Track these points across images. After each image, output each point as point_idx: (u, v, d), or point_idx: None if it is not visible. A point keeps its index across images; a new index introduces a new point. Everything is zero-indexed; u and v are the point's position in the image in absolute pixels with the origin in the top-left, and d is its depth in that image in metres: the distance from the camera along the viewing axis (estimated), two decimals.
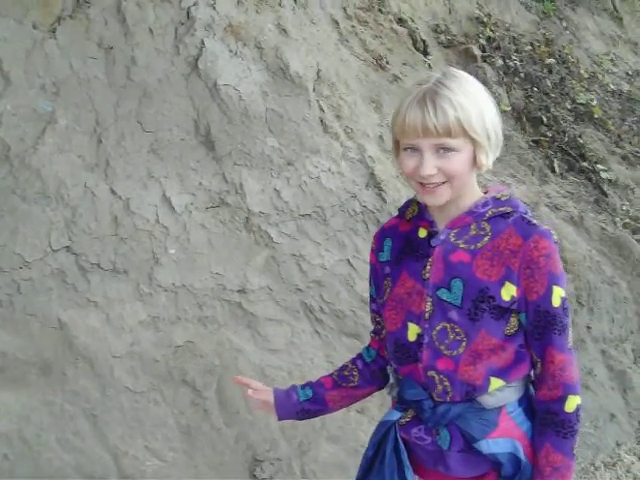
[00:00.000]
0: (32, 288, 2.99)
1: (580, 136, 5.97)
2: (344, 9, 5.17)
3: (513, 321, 1.69)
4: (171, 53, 3.71)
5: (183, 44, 3.75)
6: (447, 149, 1.63)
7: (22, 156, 3.15)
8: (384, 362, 1.96)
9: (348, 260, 3.84)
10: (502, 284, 1.65)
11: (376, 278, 1.89)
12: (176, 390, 3.12)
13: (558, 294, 1.65)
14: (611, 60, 8.13)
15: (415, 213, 1.80)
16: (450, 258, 1.70)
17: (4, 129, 3.15)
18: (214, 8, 3.90)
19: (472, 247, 1.69)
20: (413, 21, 5.77)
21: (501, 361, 1.69)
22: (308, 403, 2.00)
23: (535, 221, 1.68)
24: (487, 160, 1.67)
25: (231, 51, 3.93)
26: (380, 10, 5.53)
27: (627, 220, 5.32)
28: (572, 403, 1.66)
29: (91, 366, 2.99)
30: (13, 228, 3.03)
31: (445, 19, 6.34)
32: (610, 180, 5.73)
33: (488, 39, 6.47)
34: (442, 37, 6.06)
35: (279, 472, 3.08)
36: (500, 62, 6.16)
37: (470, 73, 5.12)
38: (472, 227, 1.71)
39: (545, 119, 5.85)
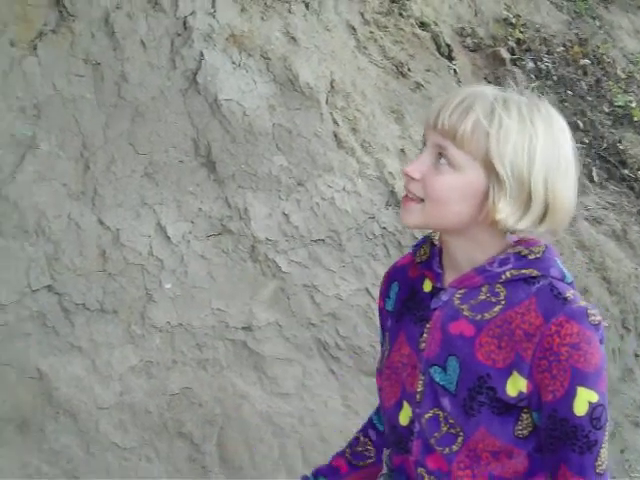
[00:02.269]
0: (8, 333, 2.72)
1: (620, 141, 5.58)
2: (361, 14, 4.84)
3: (526, 419, 1.27)
4: (166, 67, 3.42)
5: (180, 57, 3.46)
6: (445, 158, 1.24)
7: None
8: None
9: (367, 289, 3.50)
10: (509, 374, 1.24)
11: (383, 326, 1.51)
12: (171, 444, 2.80)
13: (585, 399, 1.21)
14: None
15: (425, 257, 1.41)
16: (449, 328, 1.30)
17: None
18: (214, 17, 3.59)
19: (478, 317, 1.28)
20: (436, 25, 5.42)
21: (507, 470, 1.28)
22: None
23: (569, 294, 1.24)
24: (505, 212, 1.23)
25: (234, 63, 3.62)
26: (401, 14, 5.19)
27: None
28: None
29: (74, 421, 2.70)
30: None
31: (471, 22, 5.99)
32: None
33: (517, 41, 6.11)
34: (468, 40, 5.72)
35: None
36: (531, 65, 5.80)
37: (499, 77, 4.70)
38: (483, 290, 1.29)
39: (581, 124, 5.47)
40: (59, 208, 2.97)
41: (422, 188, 1.26)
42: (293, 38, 3.95)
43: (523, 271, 1.27)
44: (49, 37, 3.16)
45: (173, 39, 3.46)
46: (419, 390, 1.33)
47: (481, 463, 1.28)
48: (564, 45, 6.44)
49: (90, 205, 3.05)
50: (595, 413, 1.22)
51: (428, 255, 1.40)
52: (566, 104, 5.57)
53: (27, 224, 2.88)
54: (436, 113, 1.25)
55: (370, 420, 1.66)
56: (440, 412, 1.30)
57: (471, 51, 5.66)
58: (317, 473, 1.67)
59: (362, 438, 1.64)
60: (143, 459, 2.73)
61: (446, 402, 1.29)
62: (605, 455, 1.24)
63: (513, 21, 6.31)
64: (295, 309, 3.32)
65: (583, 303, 1.23)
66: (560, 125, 1.27)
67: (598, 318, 1.23)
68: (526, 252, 1.29)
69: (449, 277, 1.35)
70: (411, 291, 1.41)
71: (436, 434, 1.31)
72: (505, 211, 1.22)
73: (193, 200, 3.31)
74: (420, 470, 1.34)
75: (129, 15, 3.34)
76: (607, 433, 1.24)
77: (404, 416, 1.37)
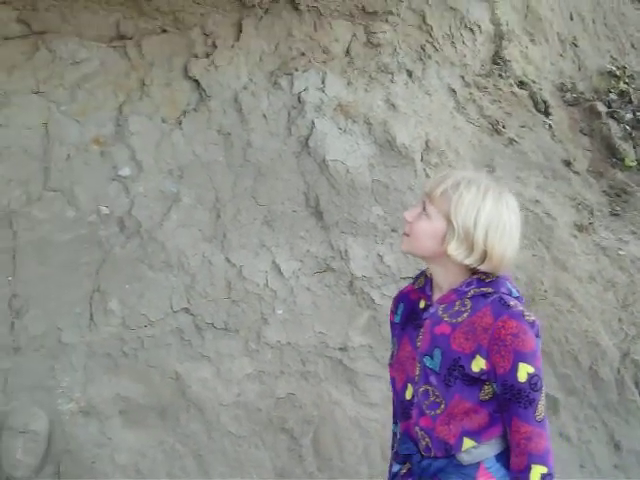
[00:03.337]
0: (154, 343, 3.50)
1: None
2: (462, 77, 5.40)
3: (487, 388, 1.88)
4: (283, 134, 4.18)
5: (295, 126, 4.21)
6: (425, 210, 1.91)
7: (150, 231, 3.71)
8: None
9: None
10: (473, 357, 1.85)
11: (393, 334, 2.14)
12: (275, 437, 3.50)
13: (525, 370, 1.80)
14: None
15: (421, 284, 2.06)
16: (435, 330, 1.93)
17: (136, 208, 3.73)
18: (323, 91, 4.34)
19: (453, 321, 1.90)
20: (535, 82, 5.92)
21: (474, 423, 1.88)
22: None
23: (512, 302, 1.85)
24: (457, 252, 1.86)
25: (340, 128, 4.34)
26: (500, 75, 5.74)
27: None
28: (536, 473, 1.80)
29: (201, 412, 3.44)
30: (140, 292, 3.58)
31: (572, 76, 6.41)
32: None
33: (621, 93, 6.46)
34: (567, 95, 6.14)
35: None
36: (629, 116, 6.14)
37: (594, 130, 5.17)
38: (457, 303, 1.91)
39: None
40: (196, 248, 3.77)
41: (410, 228, 1.94)
42: (393, 105, 4.63)
43: (482, 289, 1.91)
44: (191, 114, 4.01)
45: (289, 111, 4.23)
46: (417, 373, 1.97)
47: (456, 419, 1.89)
48: None
49: (220, 246, 3.83)
50: (532, 380, 1.82)
51: (423, 283, 2.06)
52: None
53: (171, 260, 3.69)
54: (429, 181, 1.94)
55: (395, 435, 2.21)
56: (429, 387, 1.93)
57: (570, 105, 6.09)
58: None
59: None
60: (252, 446, 3.44)
61: (433, 379, 1.92)
62: (541, 409, 1.84)
63: (618, 73, 6.66)
64: (384, 335, 3.92)
65: (521, 308, 1.86)
66: (506, 203, 1.91)
67: (532, 318, 1.86)
68: (484, 277, 1.92)
69: (436, 296, 2.00)
70: (412, 309, 2.06)
71: (426, 402, 1.94)
72: (454, 250, 1.87)
73: (303, 243, 4.02)
74: (416, 429, 1.98)
75: (253, 94, 4.15)
76: (543, 394, 1.85)
77: (409, 393, 2.00)
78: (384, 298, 4.00)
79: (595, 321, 4.23)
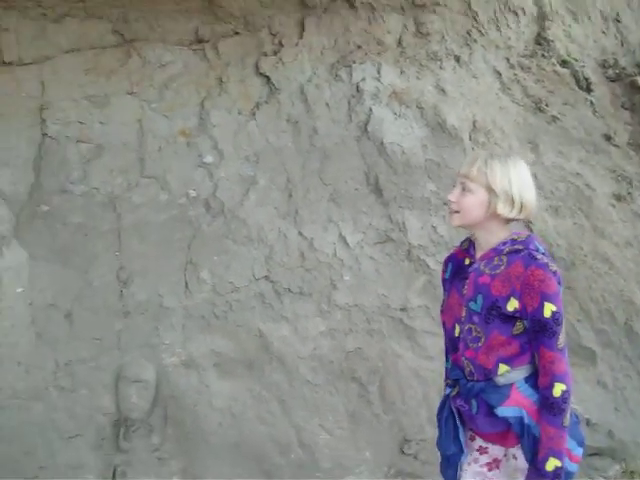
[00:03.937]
0: (240, 306, 4.07)
1: None
2: (507, 59, 5.79)
3: (519, 325, 2.37)
4: (345, 121, 4.68)
5: (354, 113, 4.71)
6: (465, 188, 2.39)
7: (233, 210, 4.26)
8: None
9: None
10: (508, 299, 2.34)
11: (444, 287, 2.65)
12: (346, 385, 4.05)
13: (549, 308, 2.27)
14: None
15: (466, 246, 2.57)
16: (478, 280, 2.43)
17: (220, 190, 4.29)
18: (379, 80, 4.82)
19: (493, 273, 2.39)
20: (577, 60, 6.26)
21: (508, 352, 2.38)
22: None
23: (539, 256, 2.33)
24: (504, 210, 2.35)
25: (395, 114, 4.82)
26: (543, 55, 6.11)
27: None
28: (558, 389, 2.29)
29: (282, 365, 4.01)
30: (227, 263, 4.15)
31: (615, 52, 6.69)
32: None
33: None
34: (610, 71, 6.46)
35: (423, 450, 3.90)
36: None
37: (634, 104, 5.50)
38: (495, 259, 2.41)
39: None
40: (272, 224, 4.31)
41: (457, 206, 2.43)
42: (442, 90, 5.08)
43: (515, 247, 2.40)
44: (263, 106, 4.54)
45: (349, 100, 4.73)
46: (463, 315, 2.48)
47: (493, 350, 2.39)
48: None
49: (293, 222, 4.36)
50: (555, 316, 2.29)
51: (467, 246, 2.57)
52: None
53: (252, 235, 4.24)
54: (462, 166, 2.43)
55: (447, 370, 2.71)
56: (472, 325, 2.44)
57: (611, 81, 6.41)
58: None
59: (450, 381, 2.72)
60: (327, 393, 4.00)
61: (475, 318, 2.42)
62: (562, 339, 2.31)
63: None
64: (439, 296, 4.38)
65: (546, 260, 2.34)
66: (521, 165, 2.41)
67: (555, 268, 2.33)
68: (516, 237, 2.42)
69: (478, 255, 2.50)
70: (459, 266, 2.57)
71: (470, 337, 2.45)
72: (502, 209, 2.36)
73: (365, 217, 4.52)
74: (462, 359, 2.49)
75: (317, 86, 4.66)
76: (563, 328, 2.32)
77: (457, 331, 2.51)
78: (438, 264, 4.47)
79: (630, 282, 4.66)
